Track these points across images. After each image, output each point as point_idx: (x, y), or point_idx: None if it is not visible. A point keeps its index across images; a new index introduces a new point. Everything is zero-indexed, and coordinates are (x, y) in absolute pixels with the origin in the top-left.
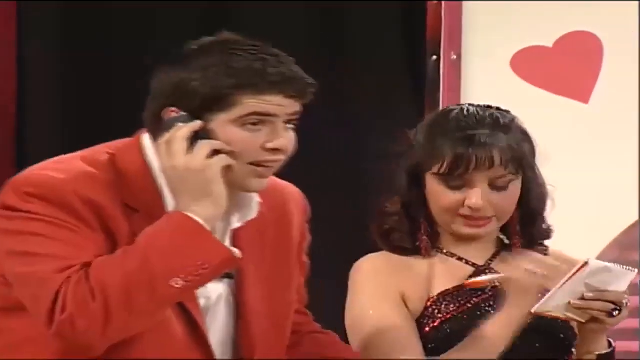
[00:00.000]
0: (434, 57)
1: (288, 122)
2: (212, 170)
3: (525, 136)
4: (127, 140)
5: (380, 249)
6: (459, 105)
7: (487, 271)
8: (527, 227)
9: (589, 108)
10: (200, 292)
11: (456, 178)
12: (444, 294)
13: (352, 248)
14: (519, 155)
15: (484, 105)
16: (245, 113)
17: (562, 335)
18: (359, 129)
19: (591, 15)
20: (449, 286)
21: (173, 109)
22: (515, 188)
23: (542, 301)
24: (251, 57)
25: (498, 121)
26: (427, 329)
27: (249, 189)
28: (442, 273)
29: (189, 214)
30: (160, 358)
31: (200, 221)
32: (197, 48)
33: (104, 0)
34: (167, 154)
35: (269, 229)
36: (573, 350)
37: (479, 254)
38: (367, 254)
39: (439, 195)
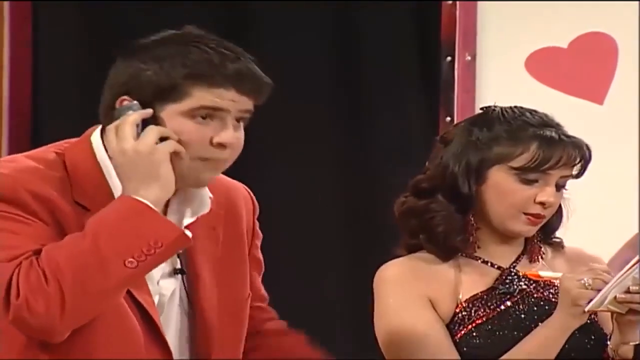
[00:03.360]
0: (449, 58)
1: (239, 119)
2: (160, 153)
3: None
4: (75, 139)
5: (386, 251)
6: (501, 106)
7: (512, 273)
8: (550, 225)
9: (603, 109)
10: (154, 289)
11: (538, 172)
12: (473, 299)
13: (365, 247)
14: (589, 159)
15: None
16: (195, 105)
17: (599, 334)
18: (372, 130)
19: (606, 16)
20: (477, 290)
21: (125, 97)
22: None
23: (595, 298)
24: (209, 50)
25: (555, 121)
26: (459, 335)
27: (193, 184)
28: (469, 277)
29: (137, 197)
30: (119, 354)
31: (148, 203)
32: (156, 39)
33: (121, 0)
34: (116, 138)
35: (219, 225)
36: (608, 342)
37: (504, 256)
38: (378, 253)
39: (511, 190)
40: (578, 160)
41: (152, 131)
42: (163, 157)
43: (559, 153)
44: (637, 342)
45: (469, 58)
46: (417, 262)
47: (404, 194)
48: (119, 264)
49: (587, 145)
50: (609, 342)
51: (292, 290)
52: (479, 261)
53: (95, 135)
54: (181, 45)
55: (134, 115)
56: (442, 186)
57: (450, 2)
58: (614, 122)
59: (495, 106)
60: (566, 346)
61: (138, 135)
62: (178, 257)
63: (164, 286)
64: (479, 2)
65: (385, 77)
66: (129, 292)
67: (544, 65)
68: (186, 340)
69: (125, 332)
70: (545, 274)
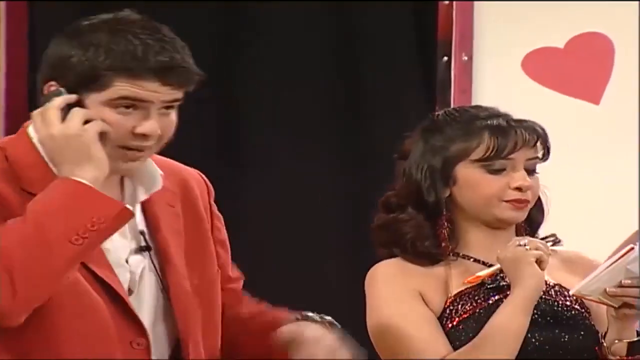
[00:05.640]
0: (445, 59)
1: (168, 107)
2: (89, 134)
3: None
4: (14, 135)
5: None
6: (445, 109)
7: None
8: (532, 219)
9: (600, 109)
10: (123, 266)
11: (500, 160)
12: (460, 294)
13: (362, 248)
14: (547, 138)
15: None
16: (115, 96)
17: (589, 331)
18: (368, 130)
19: (603, 16)
20: (466, 286)
21: (53, 83)
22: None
23: (582, 283)
24: (135, 40)
25: (507, 114)
26: (446, 329)
27: (118, 172)
28: (459, 274)
29: (74, 178)
30: (85, 334)
31: (86, 182)
32: (88, 23)
33: (117, 0)
34: (42, 124)
35: (176, 203)
36: (602, 341)
37: (495, 256)
38: (376, 253)
39: (481, 182)
40: (535, 140)
41: (77, 113)
42: (92, 137)
43: (512, 137)
44: (631, 340)
45: (466, 58)
46: (407, 262)
47: (377, 213)
48: (64, 242)
49: (540, 126)
50: (603, 341)
51: (290, 289)
52: (471, 260)
53: (32, 127)
54: (109, 33)
55: (58, 99)
56: (410, 197)
57: (447, 2)
58: (610, 122)
59: (438, 112)
60: (559, 342)
61: (64, 119)
62: (142, 235)
63: (133, 264)
64: (475, 3)
65: (382, 77)
66: (92, 272)
67: (541, 65)
68: (162, 316)
69: (88, 309)
70: (483, 272)
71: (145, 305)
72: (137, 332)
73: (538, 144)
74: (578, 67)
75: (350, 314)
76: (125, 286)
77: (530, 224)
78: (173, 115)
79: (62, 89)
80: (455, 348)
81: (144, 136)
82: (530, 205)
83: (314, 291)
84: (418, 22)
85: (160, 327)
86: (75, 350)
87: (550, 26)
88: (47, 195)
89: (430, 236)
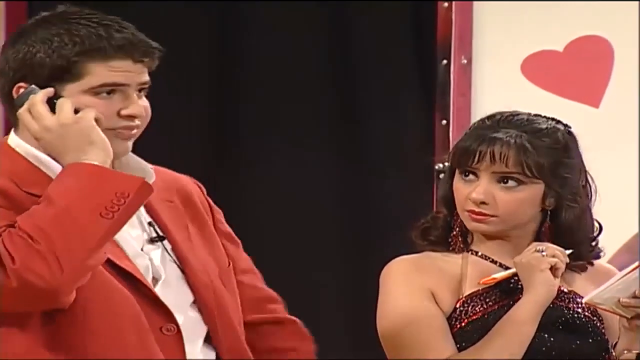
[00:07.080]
0: (444, 62)
1: (140, 90)
2: (85, 120)
3: (559, 147)
4: None
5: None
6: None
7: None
8: (562, 243)
9: (599, 112)
10: (141, 255)
11: (466, 170)
12: (472, 295)
13: (360, 248)
14: (533, 158)
15: (533, 113)
16: (96, 84)
17: (599, 338)
18: (368, 134)
19: (602, 19)
20: (479, 287)
21: (21, 84)
22: (529, 193)
23: (595, 292)
24: (93, 24)
25: (523, 124)
26: (455, 330)
27: (114, 153)
28: (474, 275)
29: (84, 161)
30: (121, 328)
31: (97, 163)
32: (35, 22)
33: (115, 0)
34: (33, 119)
35: (175, 199)
36: (612, 350)
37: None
38: (373, 253)
39: (456, 189)
40: (499, 156)
41: (66, 103)
42: (89, 123)
43: (473, 147)
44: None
45: (465, 61)
46: (423, 258)
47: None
48: (95, 217)
49: (516, 142)
50: (612, 350)
51: (289, 288)
52: (489, 261)
53: (12, 137)
54: (64, 23)
55: (39, 94)
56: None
57: (446, 4)
58: (610, 125)
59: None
60: (567, 348)
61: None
62: (151, 225)
63: (149, 252)
64: (474, 4)
65: (381, 80)
66: (111, 263)
67: (540, 68)
68: (189, 304)
69: (115, 298)
70: (499, 274)
71: (173, 292)
72: (166, 318)
73: (498, 161)
74: (577, 70)
75: (349, 315)
76: (150, 275)
77: (559, 230)
78: (146, 101)
79: (34, 86)
80: (461, 349)
81: (131, 117)
82: (495, 222)
83: (312, 291)
84: (417, 24)
85: (189, 314)
86: (108, 339)
87: (549, 29)
88: (63, 180)
89: (442, 228)
